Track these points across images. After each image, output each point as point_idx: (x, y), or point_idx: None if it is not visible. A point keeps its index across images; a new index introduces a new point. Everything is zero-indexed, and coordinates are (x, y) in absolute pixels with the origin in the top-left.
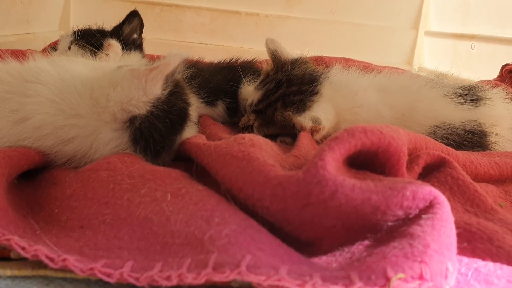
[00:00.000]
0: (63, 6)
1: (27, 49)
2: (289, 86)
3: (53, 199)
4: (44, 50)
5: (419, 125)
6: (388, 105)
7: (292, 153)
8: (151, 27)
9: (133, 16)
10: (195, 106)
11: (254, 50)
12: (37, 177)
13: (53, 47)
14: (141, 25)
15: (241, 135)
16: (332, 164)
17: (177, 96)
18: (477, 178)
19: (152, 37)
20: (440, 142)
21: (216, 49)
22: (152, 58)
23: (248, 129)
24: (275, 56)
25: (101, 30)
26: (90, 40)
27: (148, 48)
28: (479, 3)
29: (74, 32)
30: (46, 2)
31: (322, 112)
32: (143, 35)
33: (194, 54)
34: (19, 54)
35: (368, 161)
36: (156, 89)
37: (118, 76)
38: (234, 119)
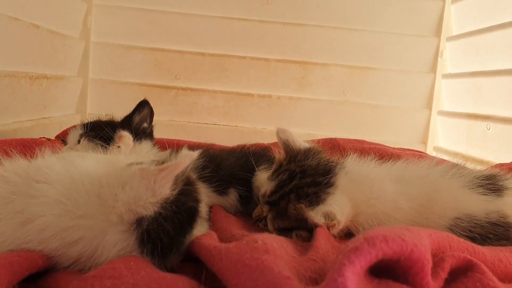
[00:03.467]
0: (80, 91)
1: (40, 137)
2: (302, 178)
3: None
4: (58, 137)
5: (440, 217)
6: (406, 196)
7: (309, 255)
8: (167, 110)
9: (143, 105)
10: (206, 196)
11: (266, 130)
12: (39, 283)
13: (63, 138)
14: (151, 113)
15: (254, 237)
16: (353, 280)
17: (187, 194)
18: (508, 277)
19: (167, 119)
20: (463, 235)
21: (229, 129)
22: (164, 145)
23: (262, 220)
24: (287, 146)
25: (111, 122)
26: (100, 132)
27: (163, 130)
28: (492, 84)
29: (84, 125)
30: (64, 88)
31: (337, 205)
32: (154, 122)
33: (208, 134)
34: (29, 145)
35: (390, 266)
36: (165, 190)
37: (127, 175)
38: (248, 208)
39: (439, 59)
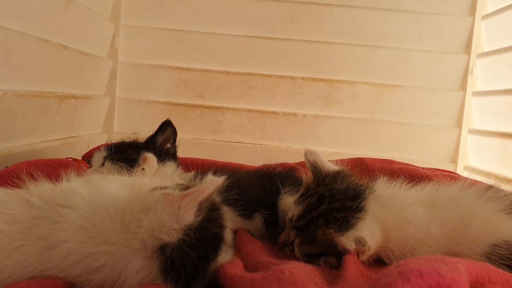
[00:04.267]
0: (108, 109)
1: (67, 158)
2: (331, 202)
3: None
4: (84, 157)
5: (475, 243)
6: (438, 221)
7: (338, 287)
8: (191, 128)
9: (166, 125)
10: (231, 220)
11: (292, 148)
12: None
13: (89, 160)
14: (174, 134)
15: (280, 267)
16: None
17: (212, 220)
18: None
19: (192, 137)
20: (502, 264)
21: (254, 148)
22: (188, 165)
23: (288, 245)
24: (315, 168)
25: (134, 143)
26: (124, 154)
27: (188, 148)
28: None
29: (108, 147)
30: (92, 107)
31: (367, 231)
32: (178, 140)
33: (232, 152)
34: (56, 166)
35: None
36: (189, 216)
37: (151, 200)
38: (273, 232)
39: (469, 76)
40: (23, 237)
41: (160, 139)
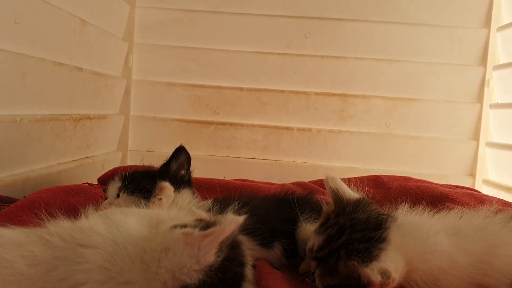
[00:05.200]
0: (122, 128)
1: (83, 183)
2: (352, 232)
3: None
4: (100, 180)
5: (501, 273)
6: (463, 251)
7: None
8: (205, 145)
9: (180, 151)
10: (250, 250)
11: (307, 164)
12: None
13: (104, 187)
14: (188, 159)
15: None
16: None
17: (232, 260)
18: None
19: (206, 153)
20: None
21: (269, 163)
22: (203, 188)
23: (309, 276)
24: (336, 195)
25: (149, 172)
26: (139, 184)
27: (203, 165)
28: None
29: (122, 177)
30: (106, 126)
31: (391, 262)
32: (193, 161)
33: (247, 169)
34: (73, 192)
35: None
36: (210, 257)
37: (171, 239)
38: (292, 260)
39: (485, 88)
40: (44, 279)
41: (174, 166)
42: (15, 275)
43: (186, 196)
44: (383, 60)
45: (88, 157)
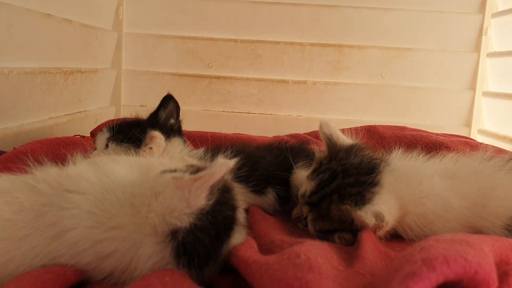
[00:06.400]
0: (114, 82)
1: (74, 135)
2: (345, 177)
3: None
4: (93, 133)
5: (496, 216)
6: (458, 194)
7: (356, 269)
8: (200, 99)
9: (168, 100)
10: (243, 196)
11: (302, 117)
12: None
13: (95, 140)
14: (177, 108)
15: (296, 250)
16: None
17: (223, 203)
18: None
19: (200, 108)
20: None
21: (264, 118)
22: (196, 140)
23: (301, 221)
24: (330, 141)
25: (137, 121)
26: (127, 134)
27: (197, 119)
28: None
29: (110, 128)
30: (98, 81)
31: (385, 205)
32: (185, 113)
33: (242, 123)
34: (64, 144)
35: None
36: (200, 200)
37: (160, 184)
38: (286, 207)
39: (483, 37)
40: (31, 225)
41: (163, 114)
42: (1, 222)
43: (177, 145)
44: (379, 9)
45: (81, 112)
